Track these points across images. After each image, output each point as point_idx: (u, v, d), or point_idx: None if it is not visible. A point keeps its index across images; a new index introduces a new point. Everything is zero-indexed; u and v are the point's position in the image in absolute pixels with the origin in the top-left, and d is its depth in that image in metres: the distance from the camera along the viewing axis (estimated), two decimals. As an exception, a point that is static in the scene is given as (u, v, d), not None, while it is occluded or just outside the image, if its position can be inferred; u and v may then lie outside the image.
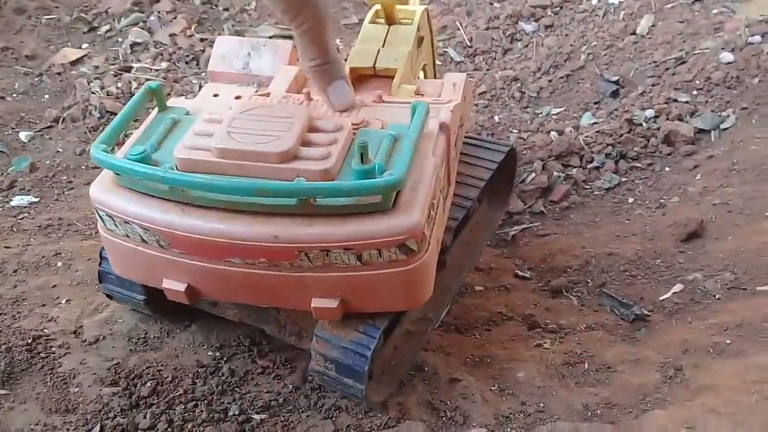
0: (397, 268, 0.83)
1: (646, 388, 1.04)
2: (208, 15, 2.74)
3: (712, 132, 1.79)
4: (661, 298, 1.31)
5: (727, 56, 1.96)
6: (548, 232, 1.62)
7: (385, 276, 0.84)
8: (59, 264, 1.32)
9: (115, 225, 0.88)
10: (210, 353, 1.11)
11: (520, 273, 1.48)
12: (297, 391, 1.05)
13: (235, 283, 0.87)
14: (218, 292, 0.93)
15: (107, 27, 2.69)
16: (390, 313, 0.93)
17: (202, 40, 2.51)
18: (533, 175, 1.78)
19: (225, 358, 1.10)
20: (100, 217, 0.91)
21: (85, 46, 2.58)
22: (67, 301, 1.23)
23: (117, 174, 0.87)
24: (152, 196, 0.84)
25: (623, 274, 1.41)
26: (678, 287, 1.32)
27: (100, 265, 1.11)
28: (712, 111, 1.84)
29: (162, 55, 2.45)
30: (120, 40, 2.59)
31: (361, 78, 1.10)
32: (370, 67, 1.09)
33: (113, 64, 2.36)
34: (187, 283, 0.89)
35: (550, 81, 2.17)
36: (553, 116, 2.04)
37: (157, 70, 2.32)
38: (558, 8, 2.44)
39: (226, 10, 2.81)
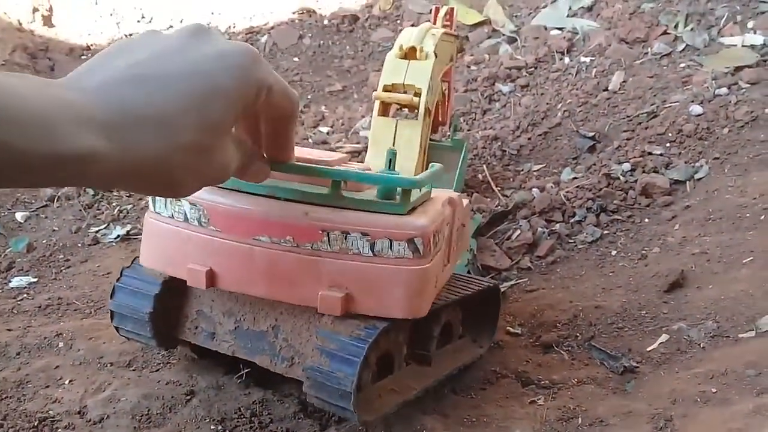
0: (404, 266, 0.94)
1: (638, 441, 1.08)
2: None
3: (687, 182, 1.87)
4: (648, 349, 1.35)
5: (696, 109, 2.05)
6: (536, 287, 1.67)
7: (391, 272, 0.94)
8: (60, 344, 1.35)
9: (164, 206, 1.01)
10: (212, 427, 1.13)
11: (511, 330, 1.52)
12: (300, 461, 1.08)
13: (254, 267, 0.97)
14: (236, 277, 1.01)
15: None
16: (386, 321, 0.99)
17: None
18: (518, 231, 1.84)
19: (227, 431, 1.13)
20: (152, 199, 1.04)
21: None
22: (70, 381, 1.25)
23: None
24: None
25: (611, 326, 1.45)
26: (664, 338, 1.36)
27: (111, 297, 1.16)
28: (685, 162, 1.92)
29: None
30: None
31: None
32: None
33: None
34: (209, 266, 0.99)
35: (529, 139, 2.25)
36: (534, 173, 2.11)
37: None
38: (533, 68, 2.55)
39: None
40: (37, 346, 1.34)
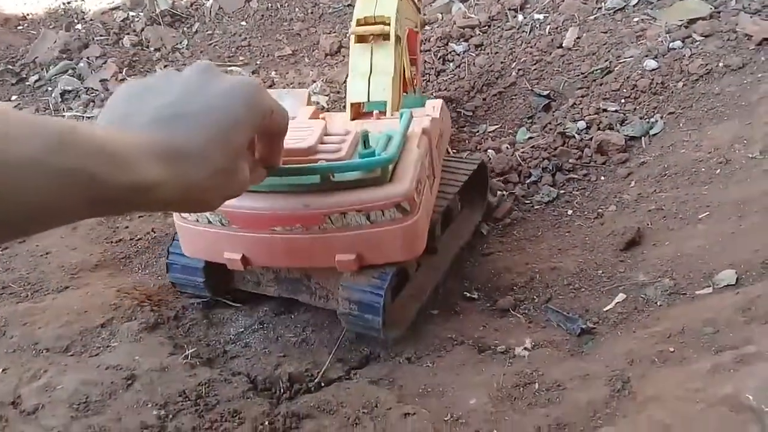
0: (396, 225, 1.11)
1: (595, 405, 1.05)
2: (139, 57, 2.71)
3: (643, 138, 1.84)
4: (605, 309, 1.32)
5: (650, 63, 2.02)
6: (493, 250, 1.63)
7: (388, 232, 1.12)
8: (-7, 331, 1.28)
9: (189, 213, 1.16)
10: (155, 412, 1.08)
11: (468, 294, 1.48)
12: (248, 442, 1.03)
13: (277, 249, 1.15)
14: (266, 258, 1.19)
15: (36, 77, 2.64)
16: (396, 264, 1.20)
17: (133, 83, 2.47)
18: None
19: (170, 416, 1.07)
20: None
21: (14, 98, 2.53)
22: (3, 370, 1.19)
23: None
24: None
25: (567, 287, 1.42)
26: (620, 297, 1.34)
27: (167, 258, 1.35)
28: (640, 118, 1.89)
29: (93, 101, 2.41)
30: (50, 89, 2.55)
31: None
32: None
33: (44, 114, 2.30)
34: (242, 254, 1.17)
35: (484, 99, 2.20)
36: (490, 134, 2.07)
37: (89, 117, 2.27)
38: (486, 27, 2.48)
39: (158, 50, 2.78)
40: (-34, 334, 1.27)
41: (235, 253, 1.17)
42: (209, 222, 1.17)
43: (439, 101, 1.44)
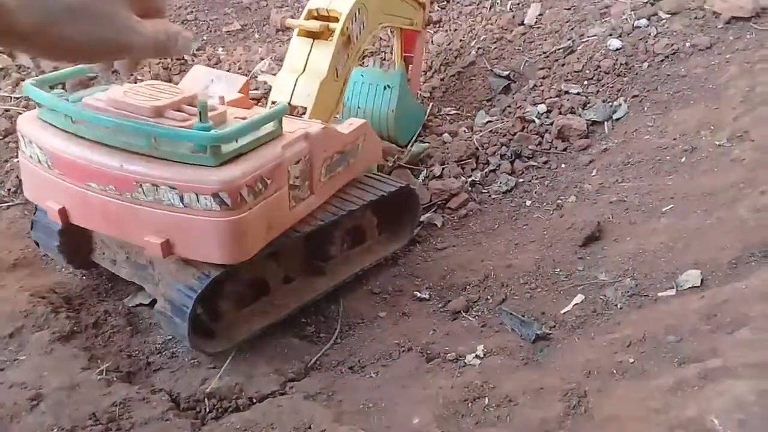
0: (213, 218, 0.99)
1: (548, 424, 0.96)
2: (75, 32, 2.53)
3: (606, 123, 1.74)
4: (562, 312, 1.23)
5: (614, 43, 1.92)
6: (447, 244, 1.53)
7: (203, 223, 1.00)
8: None
9: (26, 146, 1.10)
10: (58, 440, 0.96)
11: (419, 294, 1.38)
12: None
13: (93, 208, 1.05)
14: (82, 217, 1.10)
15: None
16: (223, 267, 1.08)
17: (68, 60, 2.29)
18: (434, 181, 1.69)
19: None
20: (22, 141, 1.13)
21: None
22: None
23: (39, 106, 1.09)
24: (57, 128, 1.06)
25: (523, 287, 1.33)
26: (579, 298, 1.24)
27: (34, 214, 1.28)
28: (603, 101, 1.79)
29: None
30: (-25, 67, 2.36)
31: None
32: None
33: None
34: (62, 205, 1.08)
35: (442, 80, 2.08)
36: (448, 117, 1.96)
37: (17, 98, 2.10)
38: (444, 2, 2.36)
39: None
40: None
41: (55, 202, 1.10)
42: (39, 161, 1.09)
43: (361, 121, 1.31)
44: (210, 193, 0.98)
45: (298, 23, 1.34)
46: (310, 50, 1.35)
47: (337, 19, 1.35)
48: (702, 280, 1.16)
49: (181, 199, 0.98)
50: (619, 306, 1.20)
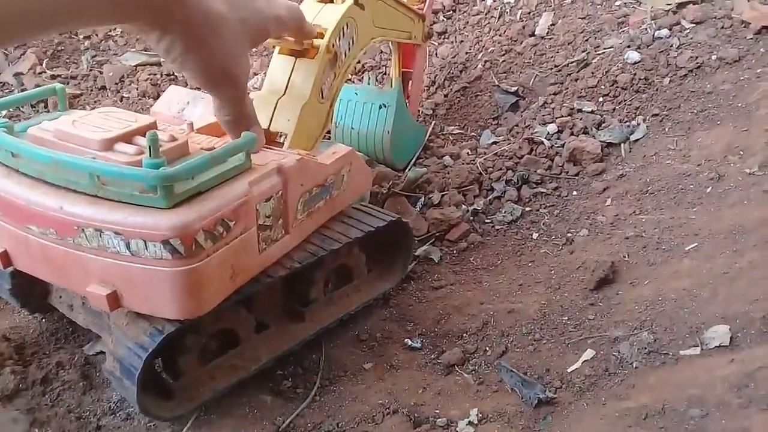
0: (163, 267, 0.86)
1: None
2: (65, 46, 2.42)
3: (622, 145, 1.58)
4: (569, 370, 1.08)
5: (633, 55, 1.76)
6: (444, 282, 1.38)
7: (152, 273, 0.86)
8: None
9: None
10: None
11: (410, 342, 1.23)
12: None
13: (34, 253, 0.94)
14: (24, 261, 0.99)
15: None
16: (179, 322, 0.94)
17: (53, 77, 2.19)
18: (432, 209, 1.54)
19: None
20: None
21: None
22: None
23: None
24: (3, 164, 0.95)
25: (526, 337, 1.18)
26: (589, 354, 1.09)
27: None
28: (620, 121, 1.63)
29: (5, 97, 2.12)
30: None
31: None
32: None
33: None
34: (3, 248, 0.99)
35: (445, 96, 1.94)
36: (450, 136, 1.81)
37: (-3, 116, 1.99)
38: (451, 12, 2.21)
39: (87, 38, 2.49)
40: None
41: None
42: None
43: (346, 149, 1.18)
44: (159, 239, 0.84)
45: (278, 40, 1.18)
46: (293, 69, 1.20)
47: (322, 35, 1.20)
48: (731, 338, 1.00)
49: (128, 246, 0.85)
50: (634, 365, 1.04)
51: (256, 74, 2.12)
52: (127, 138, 0.91)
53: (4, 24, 0.48)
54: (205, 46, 0.72)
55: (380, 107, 1.60)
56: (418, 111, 1.76)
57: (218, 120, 0.91)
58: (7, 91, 2.16)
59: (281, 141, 1.15)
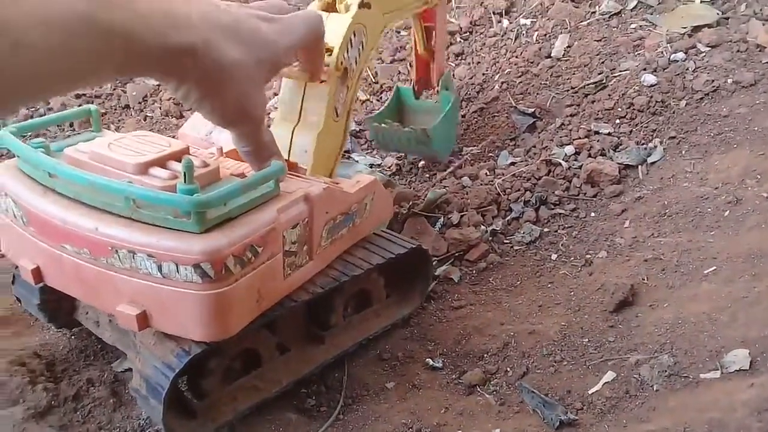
0: (193, 290, 0.88)
1: None
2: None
3: (639, 167, 1.60)
4: (590, 392, 1.10)
5: (649, 78, 1.78)
6: (464, 302, 1.40)
7: (182, 296, 0.89)
8: None
9: (2, 199, 1.03)
10: None
11: (431, 362, 1.26)
12: None
13: (67, 272, 0.97)
14: (57, 279, 1.01)
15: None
16: (205, 344, 0.96)
17: (77, 96, 2.23)
18: (451, 229, 1.56)
19: None
20: None
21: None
22: None
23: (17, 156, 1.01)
24: (36, 182, 0.98)
25: (547, 358, 1.19)
26: (610, 375, 1.11)
27: (15, 268, 1.16)
28: (637, 143, 1.65)
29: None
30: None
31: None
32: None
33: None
34: (36, 264, 1.02)
35: (463, 116, 1.96)
36: (468, 157, 1.84)
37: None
38: (467, 33, 2.25)
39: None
40: None
41: (29, 261, 1.03)
42: (14, 216, 1.02)
43: (371, 178, 1.18)
44: (191, 263, 0.86)
45: (285, 72, 1.15)
46: (303, 96, 1.19)
47: (330, 51, 1.18)
48: (750, 362, 1.01)
49: (160, 268, 0.88)
50: (654, 387, 1.06)
51: (276, 94, 2.16)
52: (162, 162, 0.93)
53: (27, 86, 0.50)
54: (220, 93, 0.74)
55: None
56: (444, 69, 1.74)
57: (238, 151, 0.93)
58: (32, 110, 2.20)
59: (304, 167, 1.17)
